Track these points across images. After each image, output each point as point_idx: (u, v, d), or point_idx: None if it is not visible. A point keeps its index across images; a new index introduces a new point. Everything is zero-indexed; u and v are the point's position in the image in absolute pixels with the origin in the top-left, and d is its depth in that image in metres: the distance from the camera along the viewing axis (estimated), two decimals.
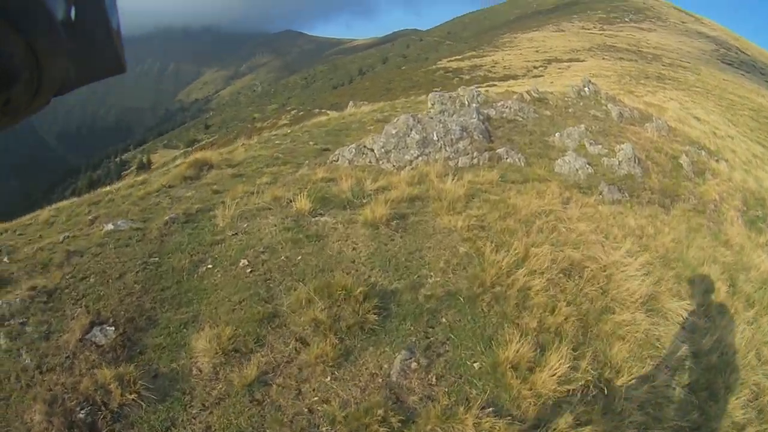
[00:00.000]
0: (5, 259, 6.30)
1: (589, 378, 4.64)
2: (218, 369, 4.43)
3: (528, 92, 15.83)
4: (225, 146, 17.95)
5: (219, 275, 5.65)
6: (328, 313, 4.79)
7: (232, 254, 6.01)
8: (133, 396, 4.13)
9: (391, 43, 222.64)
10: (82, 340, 4.68)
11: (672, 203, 10.34)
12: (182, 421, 4.07)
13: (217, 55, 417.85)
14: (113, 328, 4.83)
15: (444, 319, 5.04)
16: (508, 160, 10.23)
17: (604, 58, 61.37)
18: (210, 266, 5.83)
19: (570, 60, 61.96)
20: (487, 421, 3.96)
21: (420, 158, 9.92)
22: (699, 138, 16.62)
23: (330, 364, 4.41)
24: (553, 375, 4.46)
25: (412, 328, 4.89)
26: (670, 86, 39.60)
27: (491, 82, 50.34)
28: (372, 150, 10.24)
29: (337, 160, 10.28)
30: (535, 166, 10.16)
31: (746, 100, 40.83)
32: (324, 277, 5.41)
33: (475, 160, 10.09)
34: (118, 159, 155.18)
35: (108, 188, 12.34)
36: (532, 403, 4.31)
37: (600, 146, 11.89)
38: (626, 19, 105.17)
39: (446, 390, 4.34)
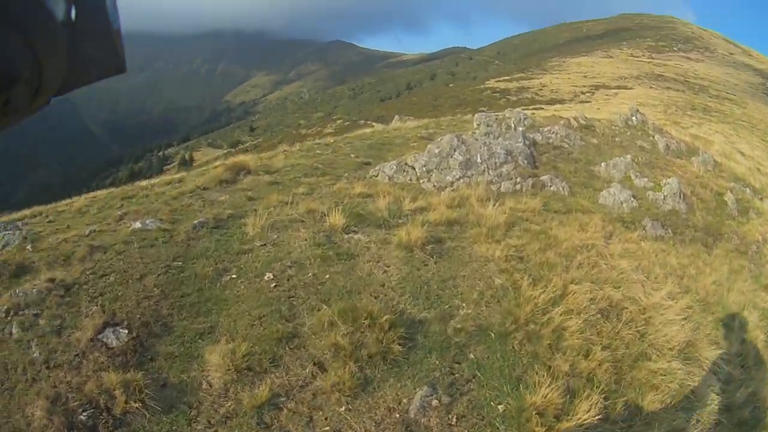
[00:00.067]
0: (29, 247, 6.42)
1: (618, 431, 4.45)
2: (229, 386, 4.35)
3: (575, 118, 15.67)
4: (268, 150, 18.19)
5: (242, 287, 5.61)
6: (350, 339, 4.67)
7: (258, 266, 5.97)
8: (137, 404, 4.10)
9: (440, 60, 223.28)
10: (94, 339, 4.68)
11: (715, 242, 10.12)
12: None
13: (267, 59, 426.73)
14: (126, 331, 4.81)
15: (472, 355, 4.88)
16: (551, 188, 10.08)
17: (651, 87, 61.15)
18: (234, 276, 5.80)
19: (618, 87, 61.91)
20: None
21: (462, 180, 9.79)
22: (744, 174, 16.31)
23: (346, 393, 4.29)
24: (581, 426, 4.28)
25: (437, 362, 4.74)
26: (716, 119, 39.34)
27: (538, 105, 50.61)
28: (413, 168, 10.15)
29: (377, 176, 10.23)
30: (579, 196, 10.03)
31: None
32: (351, 300, 5.31)
33: (518, 186, 9.92)
34: (161, 153, 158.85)
35: (145, 183, 12.60)
36: None
37: (646, 179, 11.69)
38: (675, 48, 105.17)
39: None
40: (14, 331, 4.88)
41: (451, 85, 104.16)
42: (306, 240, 6.51)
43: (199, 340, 4.84)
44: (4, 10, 0.58)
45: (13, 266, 5.88)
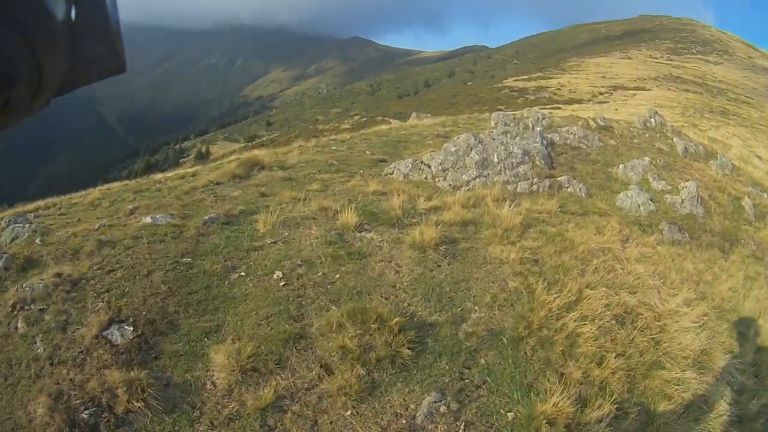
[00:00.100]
0: (38, 241, 6.42)
1: None
2: (233, 387, 4.29)
3: (593, 119, 15.57)
4: (284, 145, 18.21)
5: (250, 285, 5.55)
6: (358, 342, 4.59)
7: (267, 264, 5.91)
8: (140, 404, 4.05)
9: (459, 58, 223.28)
10: (98, 336, 4.65)
11: (731, 247, 9.95)
12: None
13: (285, 54, 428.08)
14: (132, 329, 4.78)
15: (483, 360, 4.78)
16: (568, 189, 9.97)
17: (669, 89, 61.64)
18: (243, 274, 5.74)
19: (636, 88, 62.49)
20: None
21: (478, 180, 9.67)
22: (761, 179, 16.16)
23: (353, 397, 4.20)
24: None
25: (446, 367, 4.64)
26: (734, 122, 39.42)
27: (556, 105, 51.24)
28: (429, 166, 10.05)
29: (392, 173, 10.15)
30: (597, 198, 9.94)
31: None
32: (361, 301, 5.23)
33: (535, 187, 9.79)
34: (177, 146, 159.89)
35: (160, 176, 12.66)
36: None
37: (664, 182, 11.56)
38: (693, 51, 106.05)
39: None
40: (20, 325, 4.87)
41: (470, 83, 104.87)
42: (317, 238, 6.44)
43: (205, 339, 4.79)
44: (4, 10, 0.59)
45: (22, 260, 5.89)
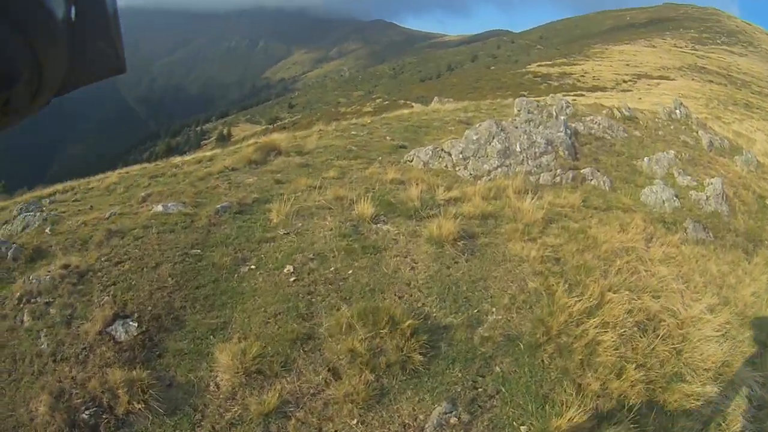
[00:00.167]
0: (48, 230, 6.36)
1: None
2: (237, 390, 4.16)
3: (618, 108, 15.22)
4: (306, 128, 18.07)
5: (260, 279, 5.41)
6: (368, 345, 4.42)
7: (279, 257, 5.76)
8: (140, 405, 3.95)
9: (482, 42, 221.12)
10: (102, 333, 4.55)
11: (755, 249, 9.60)
12: None
13: (307, 37, 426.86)
14: (136, 324, 4.67)
15: (498, 368, 4.58)
16: (592, 181, 9.71)
17: (693, 79, 61.55)
18: (253, 267, 5.60)
19: (660, 77, 62.39)
20: None
21: (499, 169, 9.42)
22: None
23: (360, 404, 4.04)
24: None
25: (459, 375, 4.45)
26: (758, 116, 39.05)
27: (579, 92, 51.31)
28: (449, 154, 9.82)
29: (412, 161, 9.95)
30: (620, 192, 9.69)
31: None
32: (373, 299, 5.05)
33: (558, 179, 9.52)
34: (199, 128, 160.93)
35: (178, 159, 12.66)
36: None
37: (689, 177, 11.26)
38: (718, 41, 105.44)
39: None
40: (25, 319, 4.81)
41: (493, 67, 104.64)
42: (331, 230, 6.28)
43: (211, 337, 4.66)
44: (4, 10, 0.58)
45: (30, 250, 5.83)
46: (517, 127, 10.32)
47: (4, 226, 6.92)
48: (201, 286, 5.26)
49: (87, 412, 3.93)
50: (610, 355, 4.82)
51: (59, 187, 10.95)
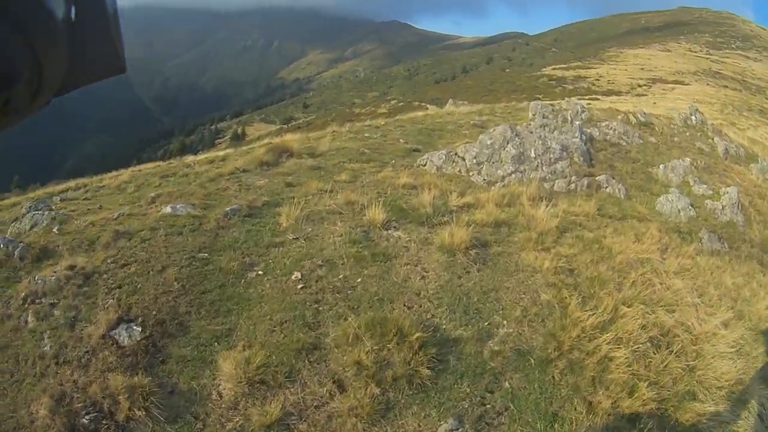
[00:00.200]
0: (55, 230, 6.34)
1: None
2: (240, 399, 4.10)
3: (634, 114, 15.14)
4: (320, 128, 18.07)
5: (267, 285, 5.35)
6: (375, 357, 4.33)
7: (287, 263, 5.70)
8: (141, 412, 3.90)
9: (497, 45, 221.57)
10: (105, 336, 4.51)
11: None
12: None
13: (322, 37, 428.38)
14: (140, 329, 4.62)
15: (507, 384, 4.48)
16: (607, 189, 9.60)
17: (708, 84, 61.87)
18: (260, 272, 5.54)
19: (675, 82, 62.70)
20: None
21: (513, 175, 9.32)
22: None
23: (364, 419, 3.96)
24: None
25: (467, 390, 4.36)
26: None
27: (594, 96, 51.79)
28: (463, 159, 9.74)
29: (425, 165, 9.88)
30: (636, 200, 9.59)
31: None
32: (381, 309, 4.96)
33: (573, 185, 9.41)
34: (213, 127, 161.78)
35: (190, 158, 12.67)
36: None
37: (705, 185, 11.16)
38: (733, 46, 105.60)
39: None
40: (29, 319, 4.78)
41: (507, 70, 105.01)
42: (341, 236, 6.21)
43: (215, 344, 4.60)
44: (4, 10, 0.58)
45: (37, 250, 5.81)
46: (531, 132, 10.22)
47: (13, 224, 6.91)
48: (207, 291, 5.21)
49: (87, 416, 3.89)
50: (623, 372, 4.70)
51: (72, 183, 11.00)
